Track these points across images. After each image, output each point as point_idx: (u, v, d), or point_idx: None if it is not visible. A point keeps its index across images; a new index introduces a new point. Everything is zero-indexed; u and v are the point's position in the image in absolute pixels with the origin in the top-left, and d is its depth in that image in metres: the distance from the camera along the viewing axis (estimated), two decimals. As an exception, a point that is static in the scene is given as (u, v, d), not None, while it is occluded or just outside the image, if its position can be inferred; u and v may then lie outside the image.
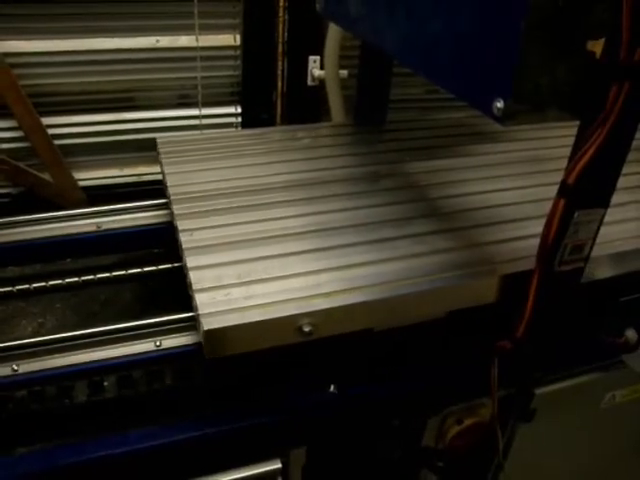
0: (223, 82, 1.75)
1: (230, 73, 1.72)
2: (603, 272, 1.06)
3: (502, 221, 1.09)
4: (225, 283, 0.89)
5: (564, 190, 0.82)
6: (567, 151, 0.81)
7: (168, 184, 1.15)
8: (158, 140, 1.29)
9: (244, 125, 1.76)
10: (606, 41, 0.72)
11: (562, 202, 0.83)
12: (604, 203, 0.84)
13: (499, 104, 0.72)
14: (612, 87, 0.73)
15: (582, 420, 1.29)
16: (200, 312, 0.83)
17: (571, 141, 0.80)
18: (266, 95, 1.70)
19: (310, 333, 0.84)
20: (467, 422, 1.10)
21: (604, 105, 0.75)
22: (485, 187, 1.19)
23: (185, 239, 0.99)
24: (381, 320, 0.93)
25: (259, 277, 0.91)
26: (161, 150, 1.26)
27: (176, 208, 1.08)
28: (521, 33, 0.68)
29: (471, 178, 1.22)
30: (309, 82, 1.63)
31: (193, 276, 0.91)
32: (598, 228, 0.87)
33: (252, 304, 0.85)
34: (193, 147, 1.28)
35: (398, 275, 0.93)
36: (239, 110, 1.76)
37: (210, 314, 0.83)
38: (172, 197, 1.11)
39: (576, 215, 0.83)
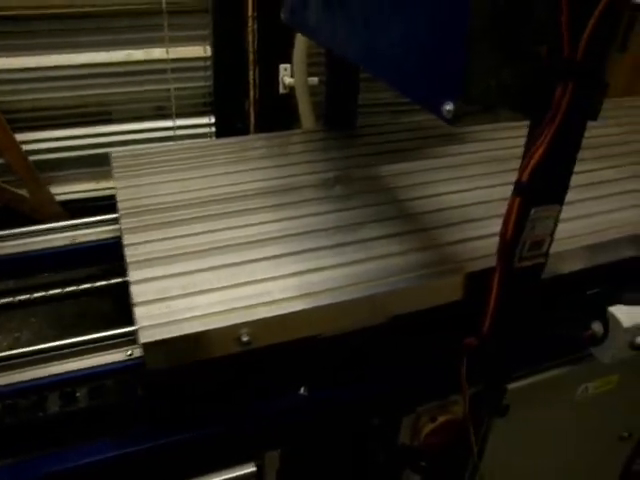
0: (196, 93, 1.76)
1: (203, 84, 1.74)
2: (567, 266, 1.09)
3: (468, 220, 1.11)
4: (167, 295, 0.89)
5: (519, 188, 0.84)
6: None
7: (118, 198, 1.14)
8: (112, 155, 1.28)
9: (219, 135, 1.78)
10: (549, 43, 0.74)
11: (518, 200, 0.85)
12: (559, 200, 0.86)
13: (448, 106, 0.74)
14: (557, 87, 0.76)
15: (557, 413, 1.31)
16: (139, 325, 0.84)
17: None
18: (239, 104, 1.71)
19: (249, 343, 0.85)
20: (441, 419, 1.11)
21: (551, 105, 0.77)
22: (452, 188, 1.21)
23: (130, 253, 0.99)
24: (334, 325, 0.93)
25: (204, 288, 0.91)
26: (115, 164, 1.25)
27: (124, 222, 1.07)
28: (466, 37, 0.71)
29: (439, 179, 1.24)
30: (281, 90, 1.65)
31: (134, 290, 0.91)
32: (555, 224, 0.89)
33: (193, 315, 0.85)
34: (150, 160, 1.26)
35: (360, 278, 0.94)
36: (214, 120, 1.78)
37: (149, 327, 0.83)
38: (121, 211, 1.10)
39: (532, 212, 0.85)
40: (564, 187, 0.85)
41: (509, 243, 0.88)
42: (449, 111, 0.75)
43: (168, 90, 1.72)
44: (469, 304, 0.98)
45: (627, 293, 1.13)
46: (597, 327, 1.11)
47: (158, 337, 0.81)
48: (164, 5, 1.59)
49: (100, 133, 1.74)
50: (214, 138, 1.79)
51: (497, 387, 1.13)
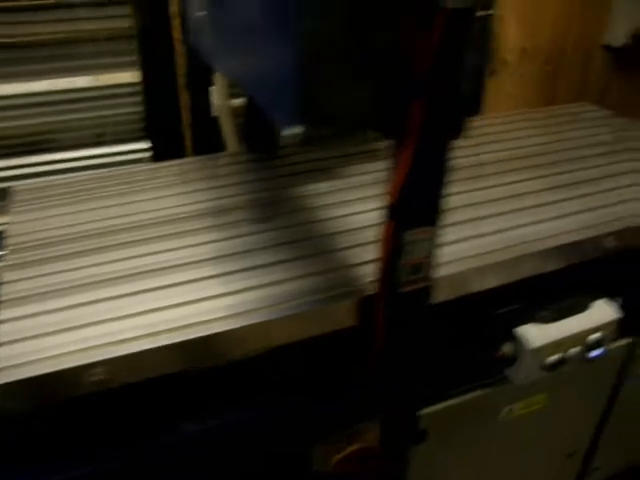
0: (131, 119, 1.75)
1: (137, 109, 1.73)
2: (476, 285, 1.06)
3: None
4: (34, 334, 0.85)
5: (389, 211, 0.82)
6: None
7: (7, 234, 1.09)
8: (14, 189, 1.24)
9: (156, 159, 1.76)
10: (396, 61, 0.72)
11: (390, 223, 0.82)
12: (431, 221, 0.83)
13: (300, 130, 0.73)
14: (411, 106, 0.74)
15: (487, 435, 1.27)
16: None
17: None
18: (174, 128, 1.70)
19: (102, 383, 0.81)
20: (351, 447, 1.08)
21: (407, 125, 0.75)
22: (364, 207, 1.17)
23: (5, 291, 0.94)
24: (211, 357, 0.89)
25: (76, 324, 0.87)
26: (14, 199, 1.21)
27: (8, 259, 1.02)
28: (306, 61, 0.69)
29: (351, 199, 1.21)
30: (212, 113, 1.64)
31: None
32: (432, 247, 0.86)
33: (54, 354, 0.81)
34: (53, 193, 1.23)
35: (250, 305, 0.91)
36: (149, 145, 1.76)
37: (4, 368, 0.79)
38: (8, 248, 1.06)
39: (405, 235, 0.83)
40: (435, 209, 0.82)
41: (386, 268, 0.86)
42: (301, 134, 0.73)
43: (100, 117, 1.70)
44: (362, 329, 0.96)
45: (541, 311, 1.10)
46: (507, 348, 1.08)
47: (6, 380, 0.77)
48: (89, 33, 1.58)
49: (34, 163, 1.72)
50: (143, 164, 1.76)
51: (405, 413, 1.10)
